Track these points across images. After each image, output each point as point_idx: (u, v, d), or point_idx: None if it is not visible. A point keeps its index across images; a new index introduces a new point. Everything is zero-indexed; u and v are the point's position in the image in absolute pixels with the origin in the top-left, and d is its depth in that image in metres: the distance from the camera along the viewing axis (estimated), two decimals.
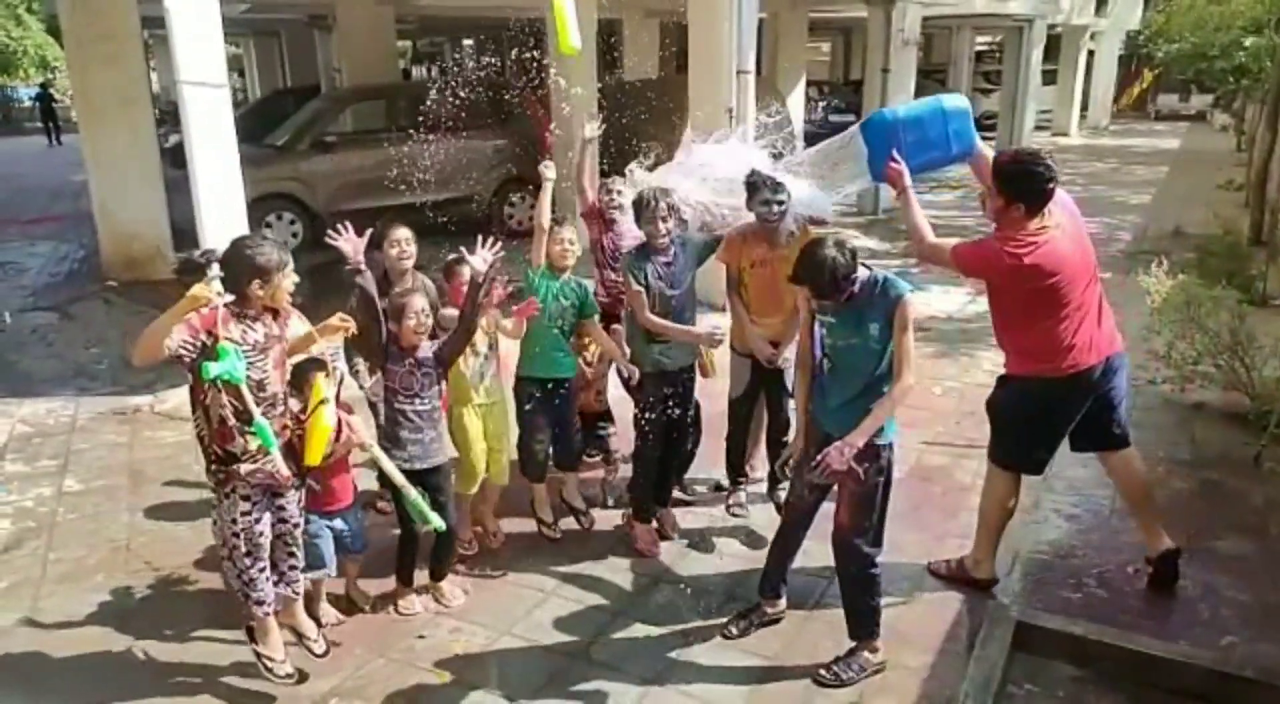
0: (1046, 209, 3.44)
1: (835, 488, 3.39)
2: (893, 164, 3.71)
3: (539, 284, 4.12)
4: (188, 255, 3.25)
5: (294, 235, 10.10)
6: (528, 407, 4.17)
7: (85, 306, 8.50)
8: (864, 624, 3.43)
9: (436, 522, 3.52)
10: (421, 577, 3.88)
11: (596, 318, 4.29)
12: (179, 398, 6.04)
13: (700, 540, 4.35)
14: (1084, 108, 25.14)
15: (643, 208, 3.96)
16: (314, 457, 3.24)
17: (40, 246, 11.19)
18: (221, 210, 5.67)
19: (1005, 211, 3.46)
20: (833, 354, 3.35)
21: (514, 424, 4.27)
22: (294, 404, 3.30)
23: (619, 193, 4.54)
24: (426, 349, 3.61)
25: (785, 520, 3.68)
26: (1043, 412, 3.68)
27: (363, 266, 3.48)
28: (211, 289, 3.00)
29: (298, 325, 3.35)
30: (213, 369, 2.93)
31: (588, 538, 4.38)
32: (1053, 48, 22.27)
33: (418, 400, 3.62)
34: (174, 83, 5.49)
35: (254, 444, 3.06)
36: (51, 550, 4.34)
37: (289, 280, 3.15)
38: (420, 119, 10.60)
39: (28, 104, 33.56)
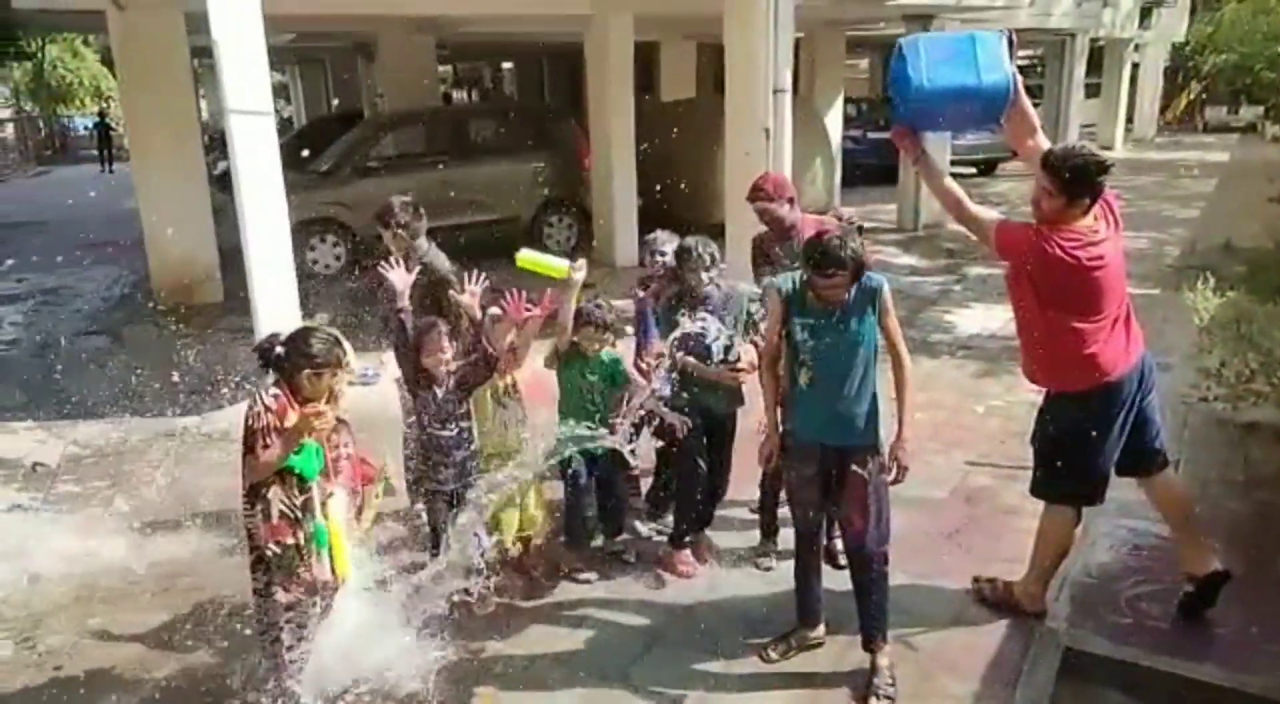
0: (1094, 211, 3.35)
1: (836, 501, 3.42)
2: (904, 140, 3.50)
3: (565, 366, 4.11)
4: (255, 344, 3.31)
5: (336, 259, 10.29)
6: (570, 469, 4.16)
7: (136, 330, 8.71)
8: (881, 627, 3.43)
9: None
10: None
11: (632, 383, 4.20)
12: (226, 420, 6.16)
13: (738, 563, 4.32)
14: (1129, 121, 24.79)
15: (684, 257, 3.95)
16: (342, 568, 3.27)
17: (93, 271, 11.49)
18: (267, 235, 5.79)
19: (1067, 210, 3.31)
20: (814, 360, 3.31)
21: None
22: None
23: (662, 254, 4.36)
24: (450, 377, 3.71)
25: (800, 545, 3.60)
26: (1090, 431, 3.52)
27: (406, 305, 3.66)
28: (329, 417, 3.06)
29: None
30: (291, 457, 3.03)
31: (625, 561, 4.37)
32: (1096, 60, 22.03)
33: (448, 425, 3.74)
34: (222, 111, 5.62)
35: (302, 542, 3.11)
36: (100, 571, 4.43)
37: (341, 383, 3.19)
38: (461, 142, 10.71)
39: (83, 133, 34.65)
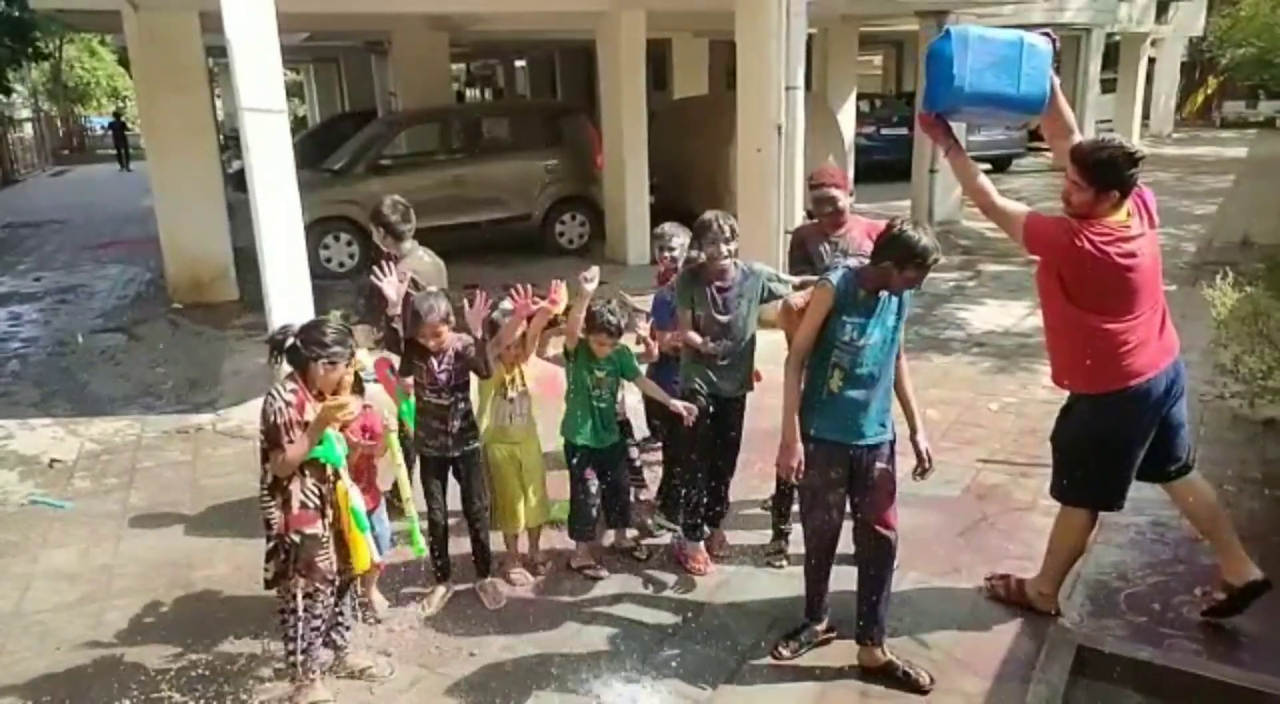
0: (1127, 207, 3.30)
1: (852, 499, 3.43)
2: (933, 128, 3.53)
3: (573, 361, 4.10)
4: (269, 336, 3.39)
5: (350, 257, 10.32)
6: (574, 461, 4.16)
7: (151, 328, 8.77)
8: (884, 620, 3.45)
9: (420, 546, 3.77)
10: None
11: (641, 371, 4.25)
12: (240, 416, 6.21)
13: (750, 560, 4.31)
14: (1146, 116, 24.58)
15: (704, 230, 3.89)
16: (361, 562, 3.34)
17: (109, 270, 11.60)
18: (281, 233, 5.82)
19: (1097, 203, 3.25)
20: (854, 360, 3.26)
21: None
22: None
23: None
24: (451, 348, 3.79)
25: (823, 548, 3.54)
26: (1115, 434, 3.44)
27: (398, 312, 3.90)
28: (351, 405, 3.17)
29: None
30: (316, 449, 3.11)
31: (636, 558, 4.37)
32: (1112, 55, 21.86)
33: (444, 394, 3.82)
34: (236, 110, 5.65)
35: (323, 531, 3.18)
36: (116, 566, 4.46)
37: (350, 375, 3.28)
38: (473, 140, 10.68)
39: (100, 132, 34.96)
